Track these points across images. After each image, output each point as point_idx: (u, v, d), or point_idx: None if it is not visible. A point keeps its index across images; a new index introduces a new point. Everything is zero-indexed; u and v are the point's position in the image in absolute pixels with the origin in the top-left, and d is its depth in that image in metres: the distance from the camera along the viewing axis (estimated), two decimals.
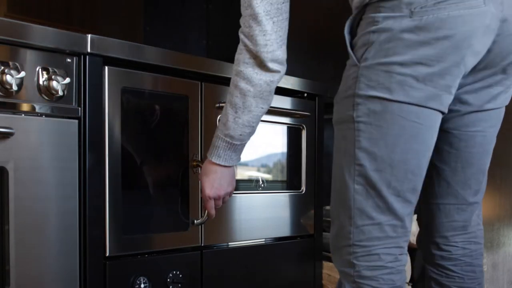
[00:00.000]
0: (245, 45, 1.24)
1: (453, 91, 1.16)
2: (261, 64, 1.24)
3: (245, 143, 1.38)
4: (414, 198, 1.19)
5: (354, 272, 1.17)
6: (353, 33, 1.20)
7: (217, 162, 1.37)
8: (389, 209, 1.16)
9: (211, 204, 1.45)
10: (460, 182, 1.31)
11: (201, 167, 1.46)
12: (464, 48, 1.12)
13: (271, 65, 1.25)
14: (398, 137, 1.14)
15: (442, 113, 1.16)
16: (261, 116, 1.34)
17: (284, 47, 1.28)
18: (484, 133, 1.29)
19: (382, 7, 1.12)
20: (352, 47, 1.18)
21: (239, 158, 1.41)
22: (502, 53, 1.19)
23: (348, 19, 1.20)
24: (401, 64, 1.11)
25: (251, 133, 1.35)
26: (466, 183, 1.32)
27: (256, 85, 1.26)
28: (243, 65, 1.25)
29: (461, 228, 1.35)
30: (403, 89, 1.11)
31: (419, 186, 1.19)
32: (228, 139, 1.34)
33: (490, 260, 2.11)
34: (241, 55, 1.25)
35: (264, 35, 1.22)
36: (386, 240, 1.17)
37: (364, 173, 1.15)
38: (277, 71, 1.27)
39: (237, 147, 1.36)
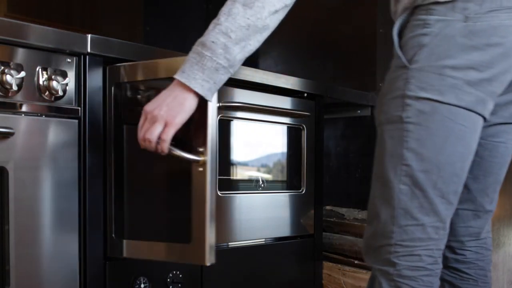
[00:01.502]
0: None
1: (496, 98, 1.17)
2: None
3: (218, 65, 1.16)
4: (456, 201, 1.19)
5: (394, 270, 1.16)
6: (400, 35, 1.21)
7: (176, 77, 1.16)
8: (433, 211, 1.16)
9: (142, 125, 1.19)
10: (479, 190, 1.34)
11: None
12: None
13: None
14: (446, 139, 1.15)
15: (484, 119, 1.17)
16: (245, 34, 1.18)
17: None
18: (506, 145, 1.32)
19: (433, 10, 1.14)
20: (400, 49, 1.18)
21: (210, 88, 1.17)
22: None
23: (397, 20, 1.20)
24: (453, 67, 1.12)
25: (226, 49, 1.16)
26: (485, 191, 1.35)
27: None
28: None
29: (476, 234, 1.37)
30: (454, 92, 1.13)
31: (460, 189, 1.20)
32: (198, 48, 1.16)
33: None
34: None
35: None
36: (428, 241, 1.17)
37: (411, 173, 1.15)
38: None
39: (205, 63, 1.15)
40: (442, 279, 1.39)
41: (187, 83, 1.15)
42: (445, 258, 1.37)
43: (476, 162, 1.28)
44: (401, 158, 1.15)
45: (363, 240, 1.26)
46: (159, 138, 1.17)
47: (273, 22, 1.23)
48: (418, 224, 1.16)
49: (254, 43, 1.21)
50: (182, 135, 1.26)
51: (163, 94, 1.17)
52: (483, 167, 1.33)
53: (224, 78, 1.19)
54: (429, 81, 1.13)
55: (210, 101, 1.22)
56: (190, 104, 1.17)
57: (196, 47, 1.17)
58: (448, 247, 1.36)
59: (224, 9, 1.20)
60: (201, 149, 1.23)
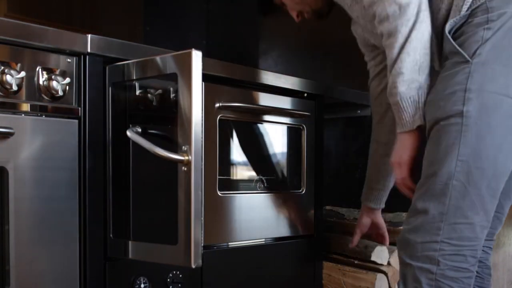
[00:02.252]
0: None
1: None
2: None
3: (410, 98, 1.23)
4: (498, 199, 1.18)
5: (438, 270, 1.13)
6: (454, 35, 1.19)
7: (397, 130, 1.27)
8: (483, 210, 1.13)
9: (397, 174, 1.31)
10: (504, 192, 1.31)
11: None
12: None
13: None
14: (505, 137, 1.13)
15: None
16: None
17: None
18: None
19: (493, 7, 1.13)
20: (459, 46, 1.16)
21: (414, 121, 1.24)
22: None
23: (450, 21, 1.18)
24: None
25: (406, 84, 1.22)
26: (508, 194, 1.34)
27: None
28: None
29: (491, 235, 1.36)
30: None
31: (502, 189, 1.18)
32: (396, 100, 1.24)
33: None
34: None
35: None
36: (475, 241, 1.14)
37: (467, 169, 1.12)
38: None
39: (400, 104, 1.23)
40: None
41: (400, 129, 1.26)
42: None
43: None
44: (457, 153, 1.12)
45: (401, 235, 1.21)
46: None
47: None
48: (467, 223, 1.12)
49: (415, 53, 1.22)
50: (167, 134, 1.26)
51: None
52: None
53: (421, 96, 1.23)
54: (494, 74, 1.11)
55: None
56: (408, 140, 1.28)
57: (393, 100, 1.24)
58: None
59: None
60: (185, 148, 1.22)
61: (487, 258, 1.38)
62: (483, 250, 1.36)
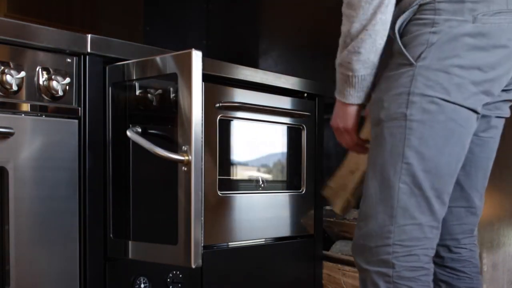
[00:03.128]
0: None
1: (491, 99, 1.19)
2: None
3: (361, 76, 1.23)
4: (448, 201, 1.20)
5: (393, 272, 1.15)
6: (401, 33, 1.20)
7: (335, 95, 1.29)
8: (430, 210, 1.16)
9: (338, 135, 1.33)
10: (471, 186, 1.35)
11: None
12: None
13: None
14: (447, 140, 1.15)
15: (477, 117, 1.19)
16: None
17: None
18: (494, 139, 1.34)
19: (441, 10, 1.14)
20: (404, 46, 1.17)
21: (360, 96, 1.25)
22: None
23: (399, 18, 1.19)
24: (461, 67, 1.13)
25: (362, 63, 1.21)
26: (476, 187, 1.36)
27: None
28: None
29: (469, 231, 1.38)
30: (460, 92, 1.13)
31: (451, 189, 1.20)
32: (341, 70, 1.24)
33: (490, 260, 2.11)
34: None
35: None
36: (425, 241, 1.17)
37: (411, 172, 1.14)
38: None
39: (349, 79, 1.23)
40: (439, 279, 1.39)
41: (342, 99, 1.26)
42: (441, 258, 1.38)
43: (468, 159, 1.28)
44: (402, 156, 1.14)
45: (354, 241, 1.23)
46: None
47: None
48: (415, 224, 1.15)
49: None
50: (167, 134, 1.26)
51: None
52: (474, 163, 1.33)
53: (371, 78, 1.24)
54: (437, 79, 1.13)
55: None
56: (347, 111, 1.28)
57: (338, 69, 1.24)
58: (444, 246, 1.37)
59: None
60: (185, 148, 1.22)
61: (472, 256, 1.39)
62: (466, 249, 1.37)
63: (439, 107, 1.13)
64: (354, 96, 1.25)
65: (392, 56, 1.21)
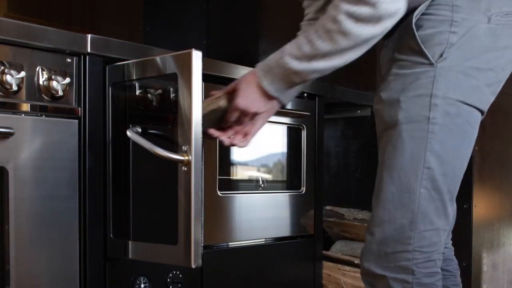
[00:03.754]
0: None
1: None
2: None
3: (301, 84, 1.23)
4: None
5: (413, 279, 1.13)
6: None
7: (265, 87, 1.21)
8: (445, 214, 1.15)
9: (232, 117, 1.28)
10: None
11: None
12: None
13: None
14: (462, 142, 1.15)
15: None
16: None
17: None
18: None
19: (458, 7, 1.12)
20: (422, 43, 1.14)
21: (281, 96, 1.24)
22: None
23: (414, 14, 1.14)
24: (478, 69, 1.12)
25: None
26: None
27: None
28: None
29: (450, 230, 1.37)
30: (476, 94, 1.13)
31: None
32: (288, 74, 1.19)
33: (490, 260, 2.11)
34: None
35: None
36: (439, 245, 1.16)
37: (432, 176, 1.12)
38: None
39: (292, 85, 1.21)
40: None
41: (272, 93, 1.23)
42: None
43: None
44: (423, 160, 1.12)
45: (367, 246, 1.20)
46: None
47: None
48: (434, 229, 1.14)
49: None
50: (167, 134, 1.25)
51: (248, 90, 1.25)
52: None
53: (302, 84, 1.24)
54: (457, 81, 1.11)
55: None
56: (270, 106, 1.28)
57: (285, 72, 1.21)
58: None
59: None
60: (185, 148, 1.22)
61: (452, 253, 1.40)
62: (447, 248, 1.38)
63: (458, 109, 1.12)
64: (276, 89, 1.21)
65: (404, 52, 1.17)
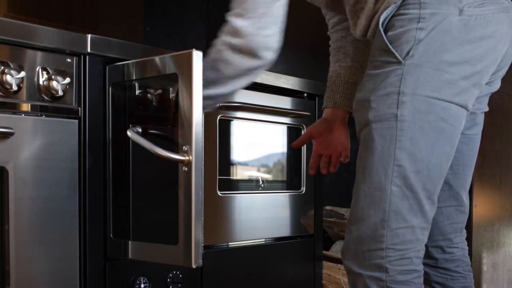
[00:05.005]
0: None
1: (480, 90, 1.17)
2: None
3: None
4: (437, 201, 1.19)
5: (387, 277, 1.13)
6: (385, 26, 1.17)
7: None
8: (421, 212, 1.14)
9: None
10: (460, 185, 1.34)
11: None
12: (499, 50, 1.15)
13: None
14: (437, 139, 1.13)
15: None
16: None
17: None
18: (478, 136, 1.34)
19: (426, 4, 1.11)
20: (390, 43, 1.14)
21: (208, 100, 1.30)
22: (506, 61, 1.22)
23: (382, 14, 1.15)
24: (450, 62, 1.10)
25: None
26: (464, 186, 1.36)
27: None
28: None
29: (460, 230, 1.37)
30: (451, 88, 1.11)
31: (440, 189, 1.19)
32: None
33: (490, 260, 2.12)
34: None
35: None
36: (417, 243, 1.15)
37: (403, 174, 1.12)
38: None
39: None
40: (434, 281, 1.38)
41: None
42: (434, 260, 1.37)
43: (456, 158, 1.26)
44: (393, 158, 1.12)
45: (345, 244, 1.21)
46: None
47: None
48: (408, 226, 1.14)
49: None
50: (167, 134, 1.26)
51: None
52: (461, 162, 1.32)
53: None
54: (427, 77, 1.10)
55: None
56: None
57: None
58: (437, 247, 1.36)
59: None
60: (186, 148, 1.22)
61: (464, 254, 1.38)
62: (458, 248, 1.37)
63: (429, 106, 1.11)
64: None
65: (376, 53, 1.17)
